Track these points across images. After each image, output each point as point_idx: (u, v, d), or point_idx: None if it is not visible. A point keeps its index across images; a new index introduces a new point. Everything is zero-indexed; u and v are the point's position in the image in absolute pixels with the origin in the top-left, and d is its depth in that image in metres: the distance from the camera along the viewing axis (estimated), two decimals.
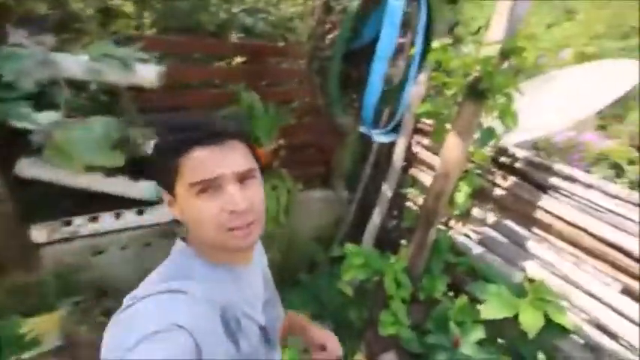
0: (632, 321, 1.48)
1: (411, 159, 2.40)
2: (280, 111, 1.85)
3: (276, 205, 2.21)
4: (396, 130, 1.36)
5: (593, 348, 1.60)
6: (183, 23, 1.90)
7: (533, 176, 1.85)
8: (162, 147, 0.56)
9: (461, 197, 1.64)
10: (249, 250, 0.62)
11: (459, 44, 2.11)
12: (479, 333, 1.65)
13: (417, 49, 1.19)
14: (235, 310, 0.57)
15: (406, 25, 1.35)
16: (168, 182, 0.56)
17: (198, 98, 1.99)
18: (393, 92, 1.42)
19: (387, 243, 2.39)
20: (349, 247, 1.91)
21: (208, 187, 0.52)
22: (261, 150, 1.96)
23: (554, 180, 1.77)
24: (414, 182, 2.33)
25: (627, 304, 1.50)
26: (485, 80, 1.36)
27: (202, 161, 0.53)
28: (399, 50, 1.40)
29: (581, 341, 1.62)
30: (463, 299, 1.83)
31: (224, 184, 0.53)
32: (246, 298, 0.61)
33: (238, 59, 2.02)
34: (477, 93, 1.40)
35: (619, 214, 1.55)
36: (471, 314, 1.74)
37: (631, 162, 6.61)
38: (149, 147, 1.56)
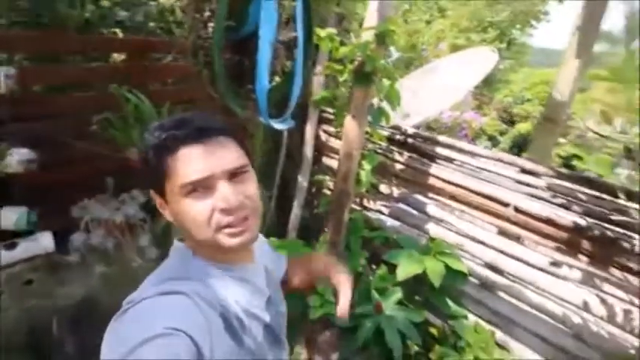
0: (510, 256, 1.79)
1: (321, 147, 2.49)
2: (174, 112, 1.73)
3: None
4: (292, 117, 1.39)
5: (486, 285, 1.89)
6: (37, 18, 1.63)
7: (425, 149, 2.09)
8: (150, 147, 0.54)
9: (364, 175, 1.76)
10: (247, 247, 0.60)
11: (348, 35, 2.25)
12: (397, 295, 1.81)
13: (299, 36, 1.23)
14: (237, 309, 0.55)
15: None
16: (157, 184, 0.54)
17: (72, 103, 1.73)
18: (284, 80, 1.45)
19: (310, 231, 2.45)
20: (272, 241, 1.90)
21: (198, 187, 0.51)
22: None
23: (441, 151, 2.03)
24: (326, 169, 2.43)
25: (505, 243, 1.81)
26: (368, 64, 1.47)
27: (191, 161, 0.51)
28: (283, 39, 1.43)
29: (477, 281, 1.91)
30: (382, 268, 1.99)
31: (214, 182, 0.52)
32: (248, 295, 0.59)
33: (119, 57, 1.82)
34: (363, 77, 1.52)
35: (493, 172, 1.86)
36: (389, 280, 1.90)
37: (502, 133, 7.93)
38: (10, 163, 1.32)
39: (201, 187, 0.52)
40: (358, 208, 2.36)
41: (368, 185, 1.90)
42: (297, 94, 1.29)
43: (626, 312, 1.42)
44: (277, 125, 1.34)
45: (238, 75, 1.39)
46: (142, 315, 0.46)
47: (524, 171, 1.74)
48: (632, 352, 1.28)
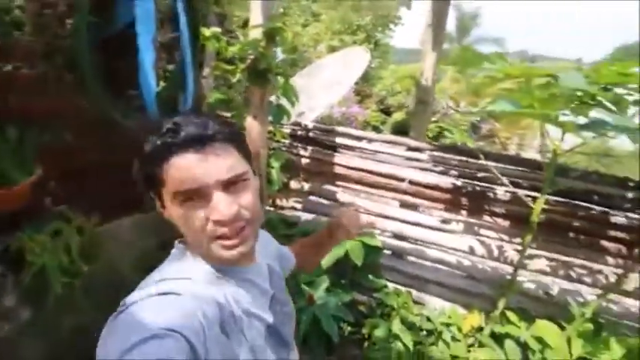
0: (411, 223, 2.04)
1: None
2: (31, 131, 1.39)
3: (65, 255, 1.70)
4: None
5: (396, 253, 2.13)
6: None
7: (326, 141, 2.21)
8: (145, 153, 0.52)
9: (275, 173, 1.75)
10: (244, 257, 0.57)
11: (231, 35, 2.20)
12: (325, 283, 1.88)
13: (184, 35, 1.14)
14: (236, 309, 0.54)
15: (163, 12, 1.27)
16: (154, 189, 0.53)
17: None
18: (173, 82, 1.32)
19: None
20: None
21: (193, 196, 0.50)
22: (13, 190, 1.43)
23: (340, 140, 2.18)
24: None
25: (406, 213, 2.06)
26: (262, 61, 1.47)
27: (185, 170, 0.50)
28: (165, 39, 1.31)
29: (389, 252, 2.13)
30: None
31: (209, 192, 0.51)
32: (249, 295, 0.58)
33: None
34: (259, 75, 1.50)
35: (386, 153, 2.08)
36: (315, 271, 1.95)
37: (382, 123, 8.91)
38: None
39: (196, 196, 0.51)
40: (272, 208, 2.34)
41: (279, 184, 1.91)
42: (190, 97, 1.20)
43: (500, 247, 1.80)
44: None
45: (114, 79, 1.21)
46: (138, 316, 0.45)
47: (410, 148, 2.00)
48: (509, 277, 1.62)
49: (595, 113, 1.28)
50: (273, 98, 1.76)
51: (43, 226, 1.68)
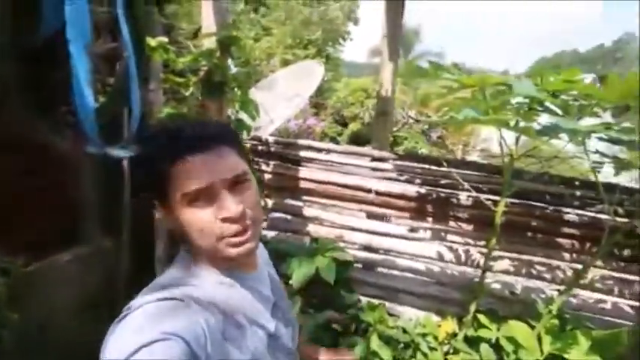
0: (379, 234, 2.02)
1: None
2: None
3: None
4: (137, 141, 1.13)
5: (367, 266, 2.09)
6: None
7: (288, 155, 2.13)
8: (149, 156, 0.54)
9: None
10: (250, 256, 0.60)
11: (180, 46, 2.05)
12: (297, 304, 1.77)
13: (126, 44, 1.00)
14: (238, 316, 0.55)
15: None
16: (159, 192, 0.54)
17: None
18: (110, 98, 1.17)
19: None
20: None
21: (200, 196, 0.52)
22: None
23: (303, 153, 2.11)
24: None
25: (373, 224, 2.03)
26: (217, 73, 1.36)
27: (193, 170, 0.51)
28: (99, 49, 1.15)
29: (360, 265, 2.08)
30: None
31: (215, 192, 0.52)
32: (252, 303, 0.59)
33: None
34: (214, 87, 1.39)
35: (350, 164, 2.05)
36: (286, 292, 1.84)
37: (339, 134, 9.07)
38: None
39: (203, 196, 0.52)
40: None
41: None
42: (138, 112, 1.05)
43: (466, 252, 1.83)
44: (119, 153, 1.06)
45: (41, 93, 1.03)
46: (140, 321, 0.46)
47: (374, 159, 2.00)
48: (477, 280, 1.65)
49: (542, 120, 1.37)
50: (230, 112, 1.65)
51: None
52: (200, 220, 0.52)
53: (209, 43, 1.38)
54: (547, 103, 1.33)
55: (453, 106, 1.50)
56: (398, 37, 1.80)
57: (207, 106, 1.47)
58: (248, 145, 2.11)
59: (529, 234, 1.75)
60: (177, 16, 2.61)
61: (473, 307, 1.71)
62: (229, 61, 1.88)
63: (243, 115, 1.70)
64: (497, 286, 1.83)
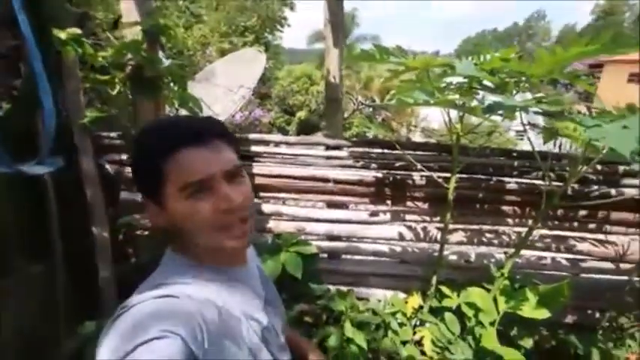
0: (341, 222, 2.02)
1: (114, 182, 1.93)
2: None
3: None
4: (60, 152, 0.95)
5: (332, 254, 2.09)
6: None
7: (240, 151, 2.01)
8: (146, 150, 0.54)
9: None
10: (245, 249, 0.63)
11: (97, 39, 1.79)
12: None
13: (28, 42, 0.82)
14: (233, 311, 0.55)
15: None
16: (153, 187, 0.53)
17: None
18: (18, 106, 0.97)
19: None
20: (88, 326, 1.35)
21: (199, 188, 0.52)
22: None
23: (254, 148, 2.01)
24: (132, 205, 1.92)
25: (334, 213, 2.02)
26: (148, 68, 1.20)
27: (190, 163, 0.52)
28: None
29: (325, 255, 2.07)
30: None
31: (214, 183, 0.52)
32: (245, 298, 0.60)
33: None
34: (146, 84, 1.23)
35: (305, 155, 2.00)
36: None
37: (288, 123, 8.94)
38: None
39: (202, 188, 0.52)
40: None
41: None
42: (51, 121, 0.88)
43: (424, 229, 1.91)
44: (35, 170, 0.88)
45: None
46: (138, 318, 0.45)
47: (328, 147, 1.97)
48: (436, 254, 1.74)
49: (480, 97, 1.45)
50: (169, 110, 1.49)
51: None
52: (200, 212, 0.52)
53: (132, 34, 1.21)
54: (485, 82, 1.39)
55: (399, 89, 1.51)
56: (340, 23, 1.76)
57: (141, 105, 1.30)
58: None
59: (477, 205, 1.87)
60: (91, 5, 2.29)
61: (434, 280, 1.80)
62: (160, 53, 1.69)
63: (184, 112, 1.55)
64: (454, 257, 1.94)
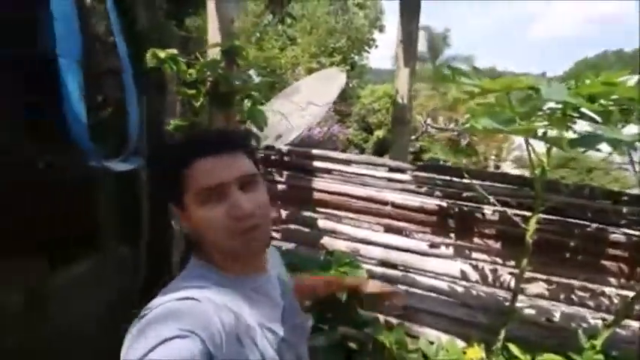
0: (398, 249, 1.89)
1: None
2: None
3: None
4: (137, 153, 1.11)
5: (385, 282, 1.96)
6: None
7: (302, 165, 2.07)
8: (169, 160, 0.58)
9: None
10: (260, 257, 0.63)
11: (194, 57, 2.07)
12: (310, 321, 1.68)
13: (122, 56, 0.99)
14: (250, 320, 0.56)
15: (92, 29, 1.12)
16: (175, 195, 0.57)
17: None
18: (117, 113, 1.16)
19: None
20: None
21: (212, 194, 0.54)
22: None
23: (318, 164, 2.05)
24: None
25: (391, 238, 1.91)
26: (222, 84, 1.33)
27: (205, 170, 0.55)
28: (98, 62, 1.16)
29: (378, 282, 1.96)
30: None
31: (227, 190, 0.54)
32: (262, 308, 0.60)
33: None
34: (220, 98, 1.37)
35: (366, 175, 1.96)
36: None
37: (365, 141, 8.93)
38: None
39: (215, 194, 0.54)
40: None
41: None
42: (135, 126, 1.03)
43: (493, 271, 1.66)
44: (117, 167, 1.05)
45: (46, 112, 1.04)
46: (159, 319, 0.47)
47: (391, 169, 1.89)
48: (507, 304, 1.49)
49: (579, 127, 1.21)
50: (238, 122, 1.62)
51: None
52: (213, 218, 0.54)
53: (214, 53, 1.36)
54: (583, 109, 1.17)
55: (475, 113, 1.37)
56: (414, 43, 1.70)
57: (215, 116, 1.45)
58: (261, 155, 2.08)
59: (567, 254, 1.56)
60: (199, 29, 2.66)
61: (502, 334, 1.54)
62: (252, 71, 1.86)
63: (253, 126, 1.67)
64: (530, 311, 1.64)
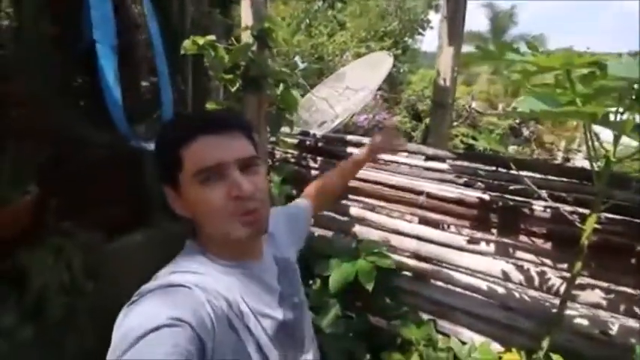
0: (433, 242, 1.79)
1: None
2: (26, 147, 1.37)
3: (67, 273, 1.67)
4: None
5: (418, 275, 1.88)
6: None
7: (337, 151, 2.04)
8: (165, 140, 0.57)
9: (275, 187, 1.61)
10: (255, 242, 0.62)
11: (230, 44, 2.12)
12: (334, 309, 1.68)
13: (154, 43, 1.04)
14: (243, 307, 0.55)
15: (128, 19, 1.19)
16: (171, 175, 0.55)
17: None
18: (149, 94, 1.24)
19: None
20: None
21: (211, 175, 0.53)
22: (11, 209, 1.42)
23: (352, 150, 2.00)
24: None
25: (426, 231, 1.81)
26: (252, 68, 1.35)
27: (204, 150, 0.53)
28: (133, 47, 1.22)
29: (409, 273, 1.88)
30: (317, 283, 1.85)
31: (227, 171, 0.53)
32: (257, 294, 0.60)
33: None
34: (252, 82, 1.38)
35: (402, 163, 1.87)
36: (325, 294, 1.76)
37: (413, 129, 8.54)
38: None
39: (215, 174, 0.53)
40: None
41: (281, 199, 1.76)
42: (169, 110, 1.09)
43: (540, 274, 1.50)
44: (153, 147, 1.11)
45: (90, 98, 1.14)
46: (151, 305, 0.47)
47: (428, 158, 1.77)
48: (554, 310, 1.33)
49: None
50: (273, 108, 1.63)
51: (45, 244, 1.66)
52: (212, 198, 0.53)
53: (247, 36, 1.37)
54: None
55: (527, 95, 1.21)
56: (460, 17, 1.54)
57: (247, 101, 1.47)
58: (295, 141, 2.09)
59: (632, 260, 1.34)
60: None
61: (546, 342, 1.39)
62: (297, 58, 1.85)
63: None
64: (582, 321, 1.46)
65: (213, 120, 0.57)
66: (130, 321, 0.46)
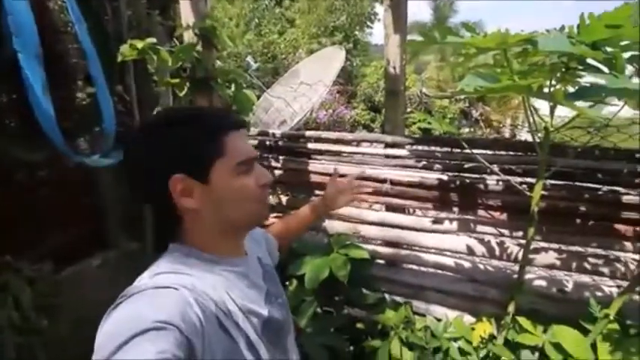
0: (401, 227, 1.84)
1: None
2: None
3: (15, 310, 1.51)
4: (117, 147, 1.09)
5: (390, 262, 1.92)
6: None
7: (297, 148, 2.02)
8: (202, 129, 0.57)
9: None
10: (243, 237, 0.67)
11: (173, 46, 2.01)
12: (312, 308, 1.67)
13: (85, 48, 0.95)
14: (231, 305, 0.56)
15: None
16: (202, 166, 0.56)
17: None
18: (87, 105, 1.14)
19: None
20: None
21: (249, 166, 0.59)
22: None
23: (313, 146, 1.99)
24: None
25: (393, 217, 1.85)
26: (199, 69, 1.28)
27: (242, 144, 0.59)
28: (62, 56, 1.12)
29: (383, 261, 1.92)
30: (292, 284, 1.82)
31: (254, 163, 0.61)
32: (244, 290, 0.61)
33: None
34: (199, 84, 1.32)
35: (363, 154, 1.89)
36: (302, 293, 1.75)
37: (372, 121, 8.75)
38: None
39: (250, 165, 0.59)
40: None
41: None
42: (110, 120, 1.00)
43: (500, 244, 1.59)
44: (97, 162, 1.02)
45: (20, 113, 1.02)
46: (135, 308, 0.46)
47: (387, 145, 1.81)
48: (516, 276, 1.42)
49: (588, 79, 1.09)
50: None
51: None
52: (248, 185, 0.59)
53: (189, 36, 1.30)
54: (589, 60, 1.05)
55: (467, 76, 1.27)
56: (403, 7, 1.58)
57: (197, 104, 1.40)
58: (254, 142, 2.04)
59: (578, 221, 1.46)
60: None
61: (512, 308, 1.48)
62: (249, 58, 1.79)
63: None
64: (541, 283, 1.57)
65: (233, 118, 0.62)
66: (114, 324, 0.44)
